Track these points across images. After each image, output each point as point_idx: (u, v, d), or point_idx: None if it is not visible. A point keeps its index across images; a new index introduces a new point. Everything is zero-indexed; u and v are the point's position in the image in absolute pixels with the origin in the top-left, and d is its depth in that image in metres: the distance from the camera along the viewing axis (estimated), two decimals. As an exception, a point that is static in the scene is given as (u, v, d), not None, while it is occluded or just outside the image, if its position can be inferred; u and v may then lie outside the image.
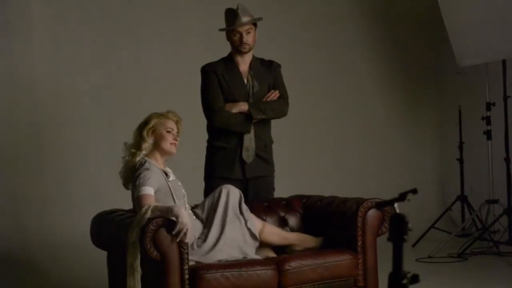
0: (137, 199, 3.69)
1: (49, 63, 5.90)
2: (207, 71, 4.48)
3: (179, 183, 3.94)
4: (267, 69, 4.54)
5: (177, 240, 3.52)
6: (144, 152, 3.85)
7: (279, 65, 4.58)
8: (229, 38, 4.47)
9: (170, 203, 3.75)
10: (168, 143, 3.87)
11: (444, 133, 7.44)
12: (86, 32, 6.01)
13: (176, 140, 3.90)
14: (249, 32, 4.42)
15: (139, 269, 3.51)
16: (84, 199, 5.78)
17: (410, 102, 7.40)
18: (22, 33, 5.80)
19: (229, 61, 4.49)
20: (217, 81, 4.43)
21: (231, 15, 4.40)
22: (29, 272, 5.44)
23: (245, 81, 4.47)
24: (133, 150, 3.84)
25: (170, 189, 3.81)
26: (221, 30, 4.52)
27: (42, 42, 5.89)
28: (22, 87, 5.81)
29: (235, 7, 4.40)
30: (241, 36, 4.40)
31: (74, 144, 5.92)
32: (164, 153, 3.89)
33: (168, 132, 3.88)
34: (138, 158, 3.83)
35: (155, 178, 3.74)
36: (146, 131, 3.85)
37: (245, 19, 4.39)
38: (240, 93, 4.44)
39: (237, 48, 4.44)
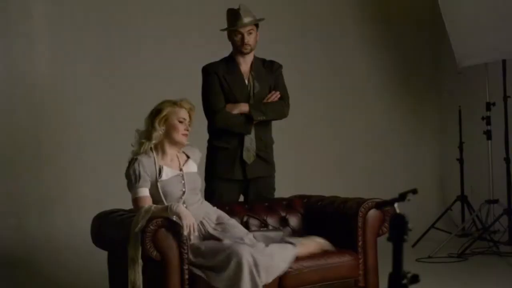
0: (133, 201, 3.69)
1: (50, 63, 5.90)
2: (208, 71, 4.47)
3: (181, 179, 3.79)
4: (268, 70, 4.52)
5: (191, 237, 3.54)
6: (154, 141, 3.74)
7: (280, 66, 4.57)
8: (230, 38, 4.46)
9: (161, 203, 3.70)
10: (179, 134, 3.77)
11: (444, 133, 7.44)
12: (87, 33, 6.01)
13: (187, 130, 3.80)
14: (250, 33, 4.40)
15: (140, 261, 3.46)
16: (84, 199, 5.77)
17: (410, 102, 7.40)
18: (23, 34, 5.80)
19: (230, 62, 4.48)
20: (218, 81, 4.42)
21: (233, 16, 4.39)
22: (29, 272, 5.44)
23: (246, 81, 4.46)
24: (143, 140, 3.73)
25: (159, 189, 3.71)
26: (222, 30, 4.51)
27: (43, 42, 5.89)
28: (23, 87, 5.81)
29: (236, 7, 4.40)
30: (243, 37, 4.39)
31: (74, 144, 5.92)
32: (174, 143, 3.79)
33: (180, 122, 3.78)
34: (143, 149, 3.72)
35: (143, 180, 3.67)
36: (158, 121, 3.74)
37: (247, 19, 4.38)
38: (241, 94, 4.43)
39: (239, 48, 4.43)
